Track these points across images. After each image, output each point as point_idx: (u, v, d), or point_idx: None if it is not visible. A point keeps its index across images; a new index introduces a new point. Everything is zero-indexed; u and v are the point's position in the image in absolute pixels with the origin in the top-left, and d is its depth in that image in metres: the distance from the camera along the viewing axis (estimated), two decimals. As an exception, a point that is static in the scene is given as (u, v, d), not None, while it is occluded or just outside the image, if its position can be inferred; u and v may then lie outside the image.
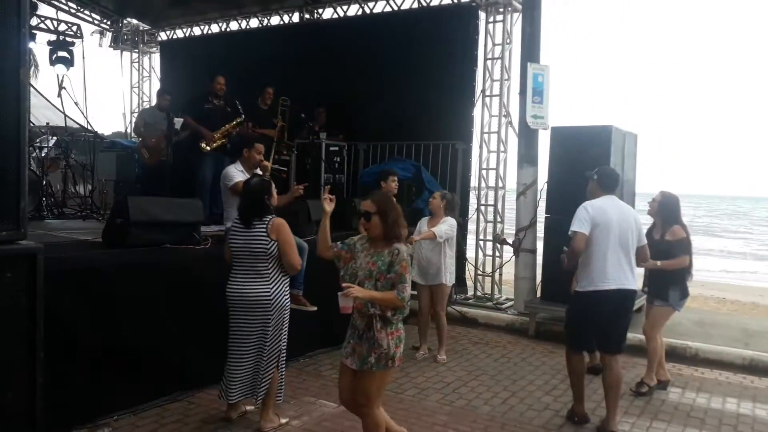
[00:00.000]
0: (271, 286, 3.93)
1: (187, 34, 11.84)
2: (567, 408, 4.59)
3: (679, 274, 4.99)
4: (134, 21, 12.43)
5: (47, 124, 9.47)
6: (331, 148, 8.58)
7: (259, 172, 5.32)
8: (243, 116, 7.30)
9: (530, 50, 7.53)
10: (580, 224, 4.14)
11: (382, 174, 6.31)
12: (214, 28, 11.34)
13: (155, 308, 4.38)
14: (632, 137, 7.58)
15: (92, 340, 3.96)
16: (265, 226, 3.95)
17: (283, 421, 4.16)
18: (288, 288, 4.10)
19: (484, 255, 8.23)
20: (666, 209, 5.11)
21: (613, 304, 4.15)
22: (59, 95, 8.03)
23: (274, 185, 4.25)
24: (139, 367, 4.23)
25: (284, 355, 4.07)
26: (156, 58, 12.68)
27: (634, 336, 6.44)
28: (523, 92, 7.43)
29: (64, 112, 8.77)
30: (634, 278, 4.23)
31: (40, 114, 10.38)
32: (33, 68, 16.37)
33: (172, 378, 4.53)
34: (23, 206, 2.50)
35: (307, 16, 10.17)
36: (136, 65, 12.87)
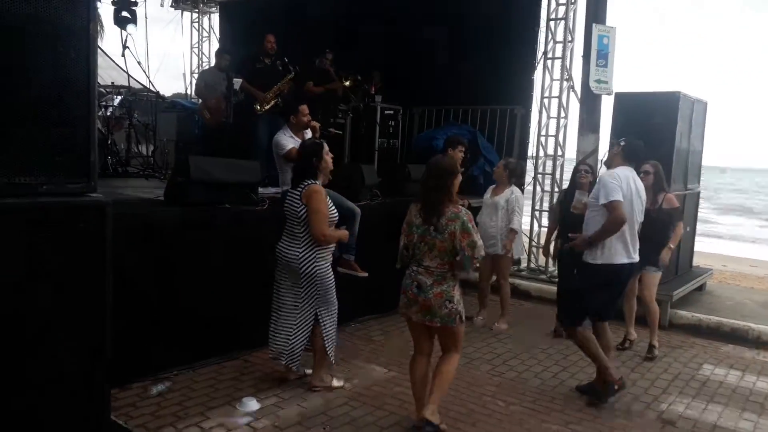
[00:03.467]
0: (301, 250, 3.95)
1: (246, -6, 11.84)
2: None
3: (662, 237, 5.11)
4: (194, -19, 12.52)
5: (112, 83, 9.70)
6: (386, 112, 8.50)
7: (308, 134, 5.32)
8: (293, 72, 7.23)
9: (595, 10, 7.21)
10: (616, 192, 4.02)
11: (451, 141, 6.11)
12: (273, -11, 11.28)
13: (214, 267, 4.49)
14: (701, 105, 7.21)
15: (154, 296, 4.11)
16: (302, 190, 3.96)
17: (336, 383, 4.21)
18: (325, 254, 4.01)
19: (540, 226, 8.03)
20: (659, 178, 5.17)
21: (625, 277, 4.27)
22: (123, 55, 8.18)
23: (325, 146, 4.15)
24: (197, 325, 4.38)
25: (328, 320, 4.05)
26: (215, 18, 12.77)
27: (693, 315, 6.30)
28: (586, 55, 7.15)
29: (127, 72, 8.95)
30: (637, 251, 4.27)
31: (105, 74, 10.63)
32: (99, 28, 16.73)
33: (230, 336, 4.66)
34: (93, 159, 2.55)
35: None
36: (195, 25, 13.01)
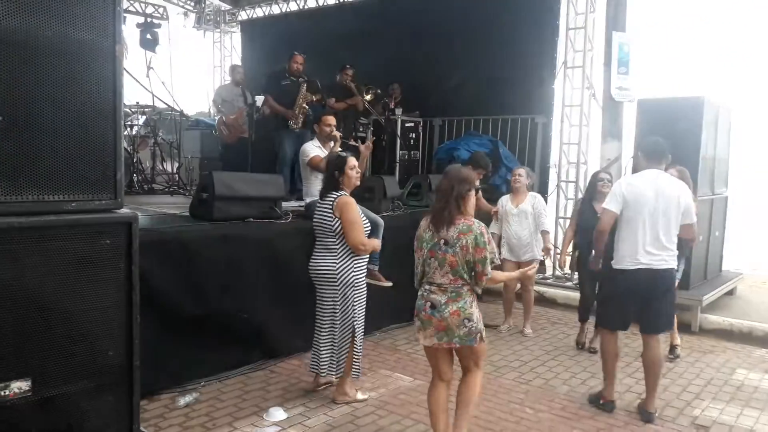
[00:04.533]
0: (337, 261, 3.96)
1: (266, 13, 12.05)
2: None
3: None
4: (216, 1, 12.77)
5: (137, 103, 9.92)
6: (407, 124, 8.54)
7: (331, 144, 5.39)
8: (304, 82, 7.24)
9: (615, 18, 7.20)
10: (609, 201, 4.08)
11: (474, 162, 6.10)
12: (293, 6, 11.47)
13: (239, 280, 4.54)
14: (727, 110, 7.11)
15: (181, 309, 4.17)
16: (331, 202, 3.99)
17: (360, 397, 4.18)
18: (361, 264, 4.06)
19: (564, 233, 7.98)
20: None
21: (643, 285, 4.00)
22: (147, 75, 8.37)
23: (350, 160, 4.12)
24: (224, 337, 4.43)
25: (360, 331, 4.05)
26: (237, 37, 13.00)
27: (724, 320, 6.18)
28: (607, 63, 7.13)
29: (152, 92, 9.15)
30: (670, 257, 4.00)
31: (130, 94, 10.85)
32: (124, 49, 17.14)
33: (256, 347, 4.73)
34: (120, 177, 2.63)
35: (383, -9, 10.09)
36: (218, 45, 13.25)
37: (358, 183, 4.18)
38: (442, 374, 3.38)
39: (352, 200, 4.00)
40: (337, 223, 3.94)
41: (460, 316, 3.15)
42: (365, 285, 4.12)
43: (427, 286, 3.26)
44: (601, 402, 4.21)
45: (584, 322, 5.63)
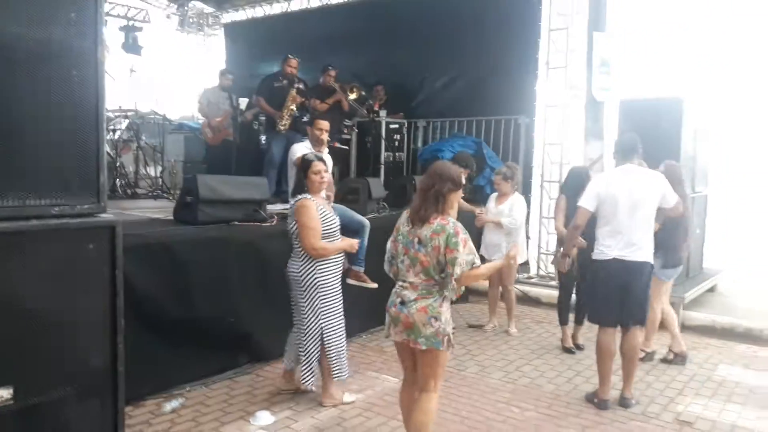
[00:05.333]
0: (300, 264, 3.93)
1: (249, 16, 12.02)
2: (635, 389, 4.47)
3: (662, 241, 4.61)
4: (199, 4, 12.72)
5: (119, 107, 9.84)
6: (391, 126, 8.57)
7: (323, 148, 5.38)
8: (294, 85, 7.23)
9: (596, 19, 7.25)
10: (584, 199, 4.22)
11: (458, 161, 6.03)
12: (276, 9, 11.45)
13: (224, 283, 4.52)
14: (706, 110, 7.21)
15: (165, 313, 4.14)
16: (292, 205, 4.00)
17: (347, 399, 4.16)
18: (327, 267, 3.95)
19: (548, 233, 8.03)
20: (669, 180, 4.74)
21: (618, 276, 4.13)
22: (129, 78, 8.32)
23: (314, 165, 3.99)
24: (210, 341, 4.41)
25: (331, 334, 3.96)
26: (220, 40, 12.94)
27: (706, 316, 6.26)
28: (589, 63, 7.17)
29: (134, 96, 9.10)
30: (644, 250, 4.12)
31: (112, 98, 10.77)
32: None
33: (242, 352, 4.71)
34: (102, 180, 2.61)
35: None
36: (201, 48, 13.18)
37: (323, 188, 4.10)
38: (410, 376, 3.30)
39: (309, 203, 3.89)
40: (293, 226, 3.94)
41: (427, 313, 3.05)
42: (336, 288, 4.03)
43: (400, 283, 3.19)
44: (596, 401, 4.26)
45: (564, 325, 5.56)
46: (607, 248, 4.14)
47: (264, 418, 3.87)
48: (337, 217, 4.11)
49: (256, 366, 4.75)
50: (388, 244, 3.31)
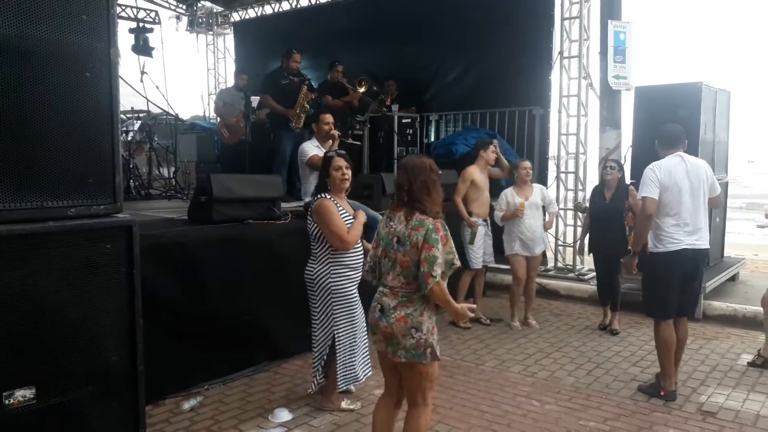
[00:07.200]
0: (316, 266, 3.83)
1: (258, 13, 12.03)
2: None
3: None
4: (208, 3, 12.75)
5: (132, 108, 9.89)
6: (404, 120, 8.52)
7: (329, 143, 5.36)
8: (306, 82, 7.25)
9: (610, 7, 7.17)
10: (648, 189, 4.10)
11: (482, 143, 6.14)
12: (285, 6, 11.44)
13: (241, 282, 4.52)
14: (725, 95, 7.10)
15: (183, 312, 4.15)
16: (311, 207, 3.91)
17: (345, 406, 4.00)
18: (342, 272, 3.78)
19: (565, 225, 7.97)
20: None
21: (688, 264, 4.10)
22: (141, 80, 8.34)
23: (334, 161, 3.87)
24: (227, 340, 4.40)
25: (344, 341, 3.82)
26: (230, 39, 12.96)
27: (728, 306, 6.18)
28: (603, 52, 7.10)
29: (146, 97, 9.13)
30: (707, 237, 4.17)
31: (124, 100, 10.82)
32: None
33: (259, 349, 4.70)
34: (118, 181, 2.61)
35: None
36: (211, 47, 13.21)
37: (346, 185, 3.89)
38: (390, 388, 3.07)
39: (327, 203, 3.74)
40: (314, 228, 3.82)
41: (407, 323, 2.79)
42: (353, 296, 3.83)
43: (380, 288, 2.94)
44: (662, 393, 4.19)
45: (604, 306, 5.89)
46: (674, 237, 4.06)
47: (283, 415, 3.86)
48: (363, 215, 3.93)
49: (274, 363, 4.75)
50: (370, 251, 3.10)
